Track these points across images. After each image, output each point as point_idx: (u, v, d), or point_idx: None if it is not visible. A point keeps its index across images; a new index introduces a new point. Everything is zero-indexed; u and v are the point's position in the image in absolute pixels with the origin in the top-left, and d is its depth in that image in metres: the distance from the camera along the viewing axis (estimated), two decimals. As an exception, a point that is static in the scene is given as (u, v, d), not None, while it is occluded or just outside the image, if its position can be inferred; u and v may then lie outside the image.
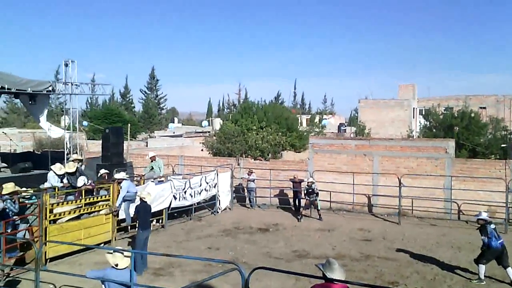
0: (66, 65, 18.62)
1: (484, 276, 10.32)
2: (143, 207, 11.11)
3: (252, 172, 19.25)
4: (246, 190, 19.78)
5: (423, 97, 48.69)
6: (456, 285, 10.24)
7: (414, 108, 46.43)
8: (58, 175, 13.73)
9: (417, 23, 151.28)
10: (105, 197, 13.34)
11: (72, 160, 15.20)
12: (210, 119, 64.28)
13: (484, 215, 10.54)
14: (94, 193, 13.55)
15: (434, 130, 27.29)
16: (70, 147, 19.42)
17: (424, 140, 22.09)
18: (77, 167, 14.55)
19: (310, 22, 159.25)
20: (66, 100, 19.89)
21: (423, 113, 35.80)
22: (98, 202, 13.14)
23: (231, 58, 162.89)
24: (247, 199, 19.76)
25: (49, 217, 11.29)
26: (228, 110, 61.30)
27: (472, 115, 26.53)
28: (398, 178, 16.70)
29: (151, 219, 12.85)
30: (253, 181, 19.21)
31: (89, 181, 13.64)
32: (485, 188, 16.44)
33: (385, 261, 12.00)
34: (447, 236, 14.66)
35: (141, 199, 11.19)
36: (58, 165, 14.15)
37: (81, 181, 13.38)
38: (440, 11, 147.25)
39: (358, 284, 7.05)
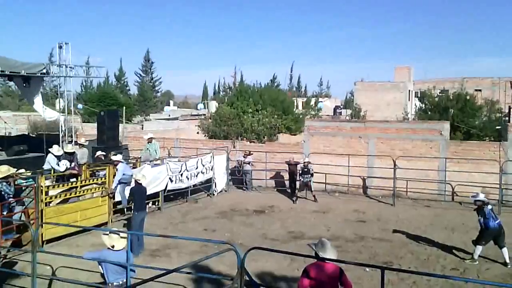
0: (60, 47, 18.45)
1: (478, 256, 10.47)
2: (138, 189, 11.13)
3: (248, 155, 19.28)
4: (242, 173, 19.84)
5: (419, 80, 48.69)
6: (450, 265, 10.37)
7: (410, 91, 46.46)
8: (57, 156, 13.88)
9: (413, 7, 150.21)
10: (102, 179, 13.38)
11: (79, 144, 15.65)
12: (206, 102, 63.86)
13: (482, 196, 10.59)
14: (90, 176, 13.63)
15: (429, 112, 27.30)
16: (65, 130, 19.34)
17: (419, 122, 22.13)
18: (74, 151, 14.79)
19: (306, 6, 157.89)
20: (60, 83, 19.73)
21: (419, 95, 35.81)
22: (92, 184, 13.17)
23: (227, 42, 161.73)
24: (243, 181, 19.83)
25: (45, 199, 11.31)
26: (224, 93, 60.93)
27: (468, 97, 26.56)
28: (393, 160, 16.78)
29: (147, 201, 12.91)
30: (249, 163, 19.26)
31: (73, 164, 13.72)
32: (479, 170, 16.55)
33: (380, 242, 12.14)
34: (441, 217, 14.81)
35: (136, 181, 11.21)
36: (56, 146, 14.27)
37: (62, 165, 13.45)
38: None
39: (352, 263, 7.15)
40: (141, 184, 11.14)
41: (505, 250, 10.28)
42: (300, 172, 17.20)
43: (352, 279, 9.23)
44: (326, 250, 5.65)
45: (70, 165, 13.85)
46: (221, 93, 70.71)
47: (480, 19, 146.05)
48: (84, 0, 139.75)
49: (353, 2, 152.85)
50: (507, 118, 27.44)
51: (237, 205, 16.45)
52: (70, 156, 14.60)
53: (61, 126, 19.29)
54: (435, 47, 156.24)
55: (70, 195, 12.29)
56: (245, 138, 24.34)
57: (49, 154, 14.12)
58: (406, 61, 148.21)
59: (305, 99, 58.50)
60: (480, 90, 42.90)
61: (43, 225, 10.82)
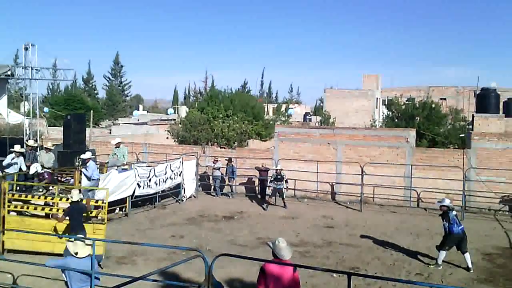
0: (26, 49, 18.01)
1: (442, 261, 10.72)
2: (77, 208, 9.77)
3: (217, 160, 19.23)
4: (211, 178, 19.76)
5: (387, 88, 49.56)
6: (415, 270, 10.58)
7: (377, 98, 47.23)
8: (21, 154, 13.79)
9: (381, 17, 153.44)
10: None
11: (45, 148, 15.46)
12: (176, 106, 63.39)
13: (447, 202, 10.85)
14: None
15: (396, 120, 27.80)
16: (29, 133, 18.86)
17: (386, 129, 22.55)
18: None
19: (276, 12, 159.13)
20: (26, 85, 19.23)
21: (386, 103, 36.46)
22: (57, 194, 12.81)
23: (198, 46, 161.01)
24: (212, 187, 19.74)
25: (8, 206, 10.94)
26: (194, 98, 60.62)
27: (433, 105, 27.18)
28: (361, 166, 17.03)
29: (113, 208, 12.63)
30: (219, 169, 19.20)
31: (43, 170, 13.37)
32: (444, 176, 16.98)
33: (347, 247, 12.28)
34: (406, 223, 15.11)
35: (71, 202, 9.91)
36: (17, 146, 14.24)
37: (33, 168, 13.00)
38: (403, 5, 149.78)
39: (320, 269, 7.22)
40: (77, 202, 9.85)
41: (467, 255, 10.56)
42: (272, 178, 17.22)
43: (319, 284, 9.37)
44: (281, 249, 6.13)
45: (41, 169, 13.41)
46: (191, 98, 70.42)
47: (445, 29, 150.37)
48: (53, 1, 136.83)
49: (322, 11, 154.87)
50: (470, 126, 28.16)
51: (206, 211, 16.36)
52: (33, 152, 14.45)
53: (26, 130, 18.80)
54: (402, 56, 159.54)
55: (43, 209, 11.81)
56: (215, 144, 24.27)
57: (10, 154, 14.07)
58: (374, 69, 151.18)
59: (275, 105, 58.80)
60: (445, 99, 43.96)
61: (4, 232, 10.48)
